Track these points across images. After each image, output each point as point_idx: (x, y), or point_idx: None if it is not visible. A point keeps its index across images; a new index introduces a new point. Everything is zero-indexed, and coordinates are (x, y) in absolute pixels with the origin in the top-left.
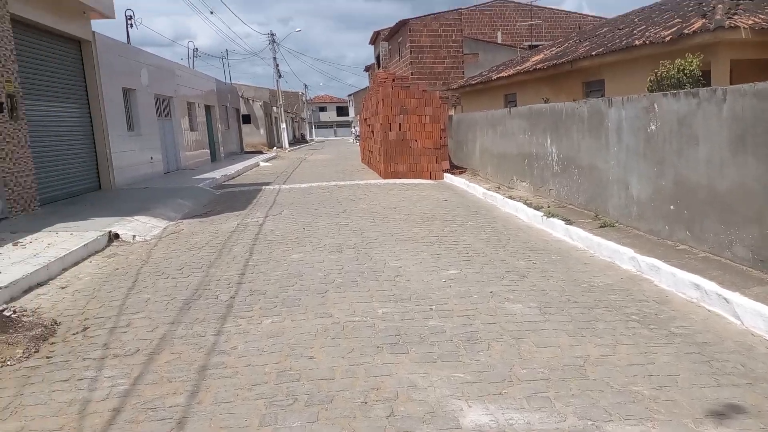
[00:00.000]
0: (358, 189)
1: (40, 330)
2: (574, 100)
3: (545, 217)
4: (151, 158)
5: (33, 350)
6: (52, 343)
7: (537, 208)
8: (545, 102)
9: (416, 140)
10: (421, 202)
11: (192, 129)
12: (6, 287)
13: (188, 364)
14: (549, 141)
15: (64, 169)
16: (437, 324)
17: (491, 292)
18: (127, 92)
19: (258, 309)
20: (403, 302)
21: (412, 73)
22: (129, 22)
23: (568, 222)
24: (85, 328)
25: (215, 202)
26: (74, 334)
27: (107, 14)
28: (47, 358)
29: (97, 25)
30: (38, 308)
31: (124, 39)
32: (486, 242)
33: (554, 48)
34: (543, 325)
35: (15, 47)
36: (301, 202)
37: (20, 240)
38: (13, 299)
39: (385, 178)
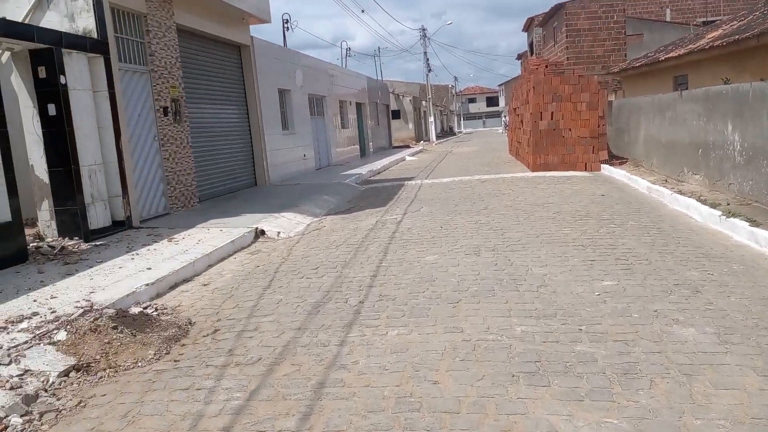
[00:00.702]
0: (503, 183)
1: (173, 331)
2: (761, 80)
3: (724, 217)
4: (304, 155)
5: (164, 352)
6: (183, 345)
7: (713, 206)
8: (725, 83)
9: (570, 129)
10: (574, 198)
11: (343, 126)
12: (153, 284)
13: (306, 378)
14: (730, 128)
15: (223, 167)
16: (587, 350)
17: (656, 311)
18: (282, 93)
19: (385, 317)
20: (547, 319)
21: (567, 59)
22: (285, 25)
23: (754, 223)
24: (215, 331)
25: (358, 198)
26: (204, 336)
27: (264, 19)
28: (175, 361)
29: (255, 30)
30: (178, 306)
31: (281, 42)
32: (650, 246)
33: (735, 22)
34: (723, 357)
35: (180, 54)
36: (441, 197)
37: (175, 236)
38: (159, 295)
39: (533, 170)
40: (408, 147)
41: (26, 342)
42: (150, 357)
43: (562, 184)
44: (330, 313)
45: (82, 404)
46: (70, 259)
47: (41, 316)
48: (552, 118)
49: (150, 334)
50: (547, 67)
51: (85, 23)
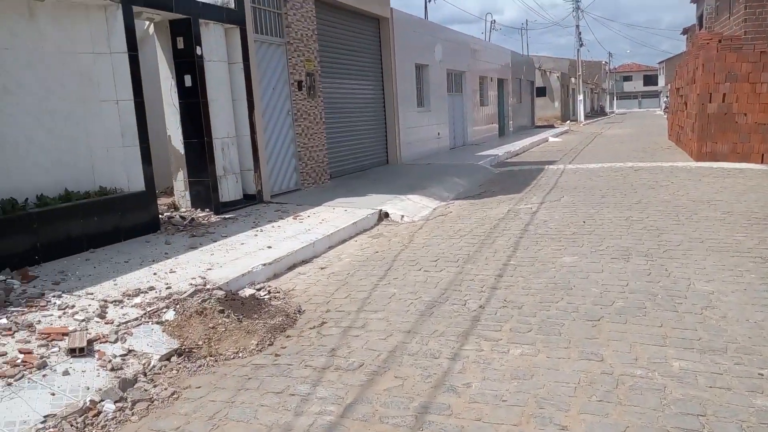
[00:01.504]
0: (661, 173)
1: (280, 319)
2: None
3: None
4: (438, 134)
5: (267, 343)
6: (287, 337)
7: None
8: None
9: (745, 114)
10: (748, 195)
11: (482, 104)
12: (270, 264)
13: (409, 398)
14: None
15: (355, 144)
16: None
17: None
18: (419, 68)
19: (508, 330)
20: (714, 355)
21: (745, 33)
22: None
23: None
24: (322, 323)
25: (491, 182)
26: (311, 329)
27: None
28: (276, 355)
29: (395, 2)
30: (291, 290)
31: (422, 15)
32: None
33: None
34: None
35: (316, 27)
36: (586, 186)
37: (301, 213)
38: (276, 276)
39: (697, 160)
40: (552, 127)
41: (136, 319)
42: (252, 347)
43: (733, 178)
44: (445, 316)
45: (175, 396)
46: (197, 231)
47: (156, 292)
48: (723, 101)
49: (256, 321)
50: (720, 41)
51: None
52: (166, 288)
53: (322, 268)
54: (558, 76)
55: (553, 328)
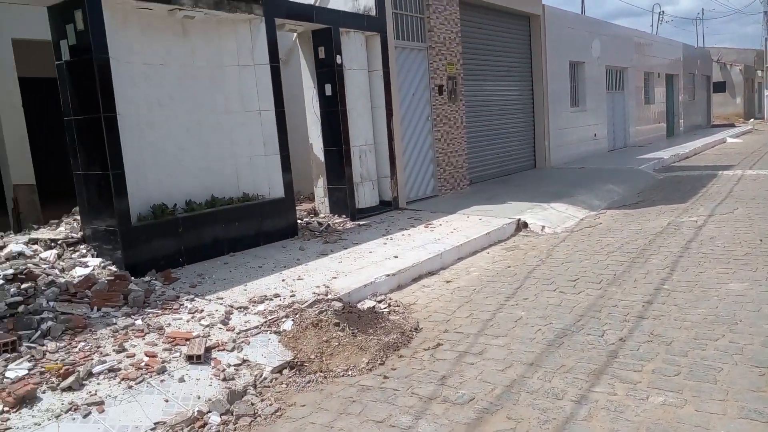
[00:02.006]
0: None
1: (395, 336)
2: None
3: None
4: (595, 135)
5: (378, 362)
6: (400, 357)
7: None
8: None
9: None
10: None
11: (647, 102)
12: (394, 275)
13: None
14: None
15: (499, 148)
16: None
17: None
18: (574, 66)
19: (650, 371)
20: None
21: None
22: None
23: None
24: (438, 345)
25: (652, 189)
26: (425, 350)
27: None
28: (384, 378)
29: None
30: (412, 304)
31: (578, 9)
32: None
33: None
34: None
35: (460, 29)
36: (767, 197)
37: (433, 221)
38: (400, 287)
39: None
40: (732, 126)
41: (256, 327)
42: (362, 365)
43: None
44: (576, 348)
45: (278, 413)
46: (331, 237)
47: (281, 299)
48: None
49: (370, 337)
50: None
51: (366, 1)
52: (290, 296)
53: (447, 282)
54: (741, 69)
55: (707, 374)
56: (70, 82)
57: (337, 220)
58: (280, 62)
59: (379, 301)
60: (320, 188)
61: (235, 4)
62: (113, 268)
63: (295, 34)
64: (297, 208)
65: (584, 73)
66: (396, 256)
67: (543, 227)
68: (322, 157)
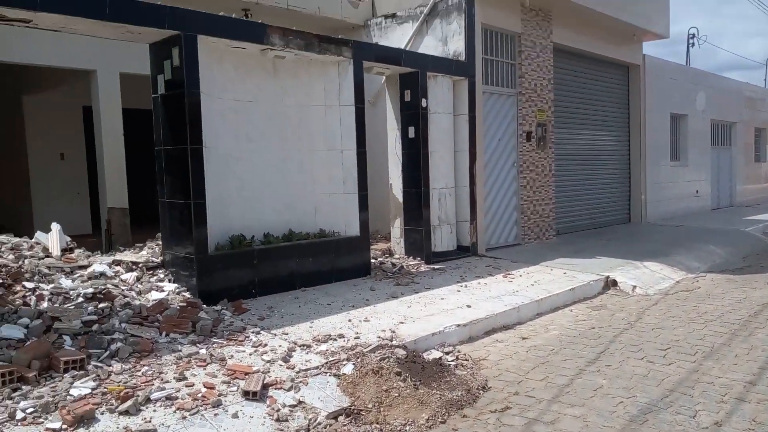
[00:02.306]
0: None
1: (460, 393)
2: None
3: None
4: (697, 191)
5: (439, 419)
6: (463, 417)
7: None
8: None
9: None
10: None
11: (757, 159)
12: (465, 325)
13: None
14: None
15: (590, 199)
16: None
17: None
18: (675, 118)
19: None
20: None
21: None
22: (690, 41)
23: None
24: (506, 408)
25: (760, 254)
26: (491, 412)
27: (661, 34)
28: None
29: (648, 46)
30: (482, 359)
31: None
32: None
33: None
34: None
35: (552, 76)
36: None
37: (512, 271)
38: (471, 339)
39: None
40: None
41: (316, 368)
42: (421, 422)
43: None
44: (662, 428)
45: None
46: (403, 280)
47: (344, 340)
48: None
49: (433, 391)
50: None
51: (456, 46)
52: (354, 337)
53: (523, 338)
54: None
55: None
56: (163, 114)
57: (411, 263)
58: (367, 104)
59: (447, 353)
60: (397, 229)
61: (325, 46)
62: (187, 294)
63: (384, 77)
64: (372, 247)
65: (687, 127)
66: (469, 306)
67: (634, 287)
68: (400, 198)
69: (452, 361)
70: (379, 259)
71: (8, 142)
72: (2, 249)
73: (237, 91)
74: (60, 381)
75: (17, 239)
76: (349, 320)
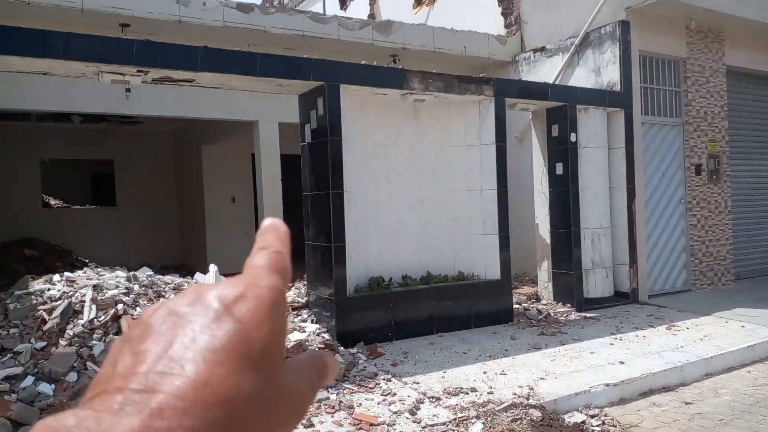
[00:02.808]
0: None
1: None
2: None
3: None
4: None
5: None
6: None
7: None
8: None
9: None
10: None
11: None
12: (616, 385)
13: None
14: None
15: None
16: None
17: None
18: None
19: None
20: None
21: None
22: None
23: None
24: None
25: None
26: None
27: None
28: None
29: None
30: (634, 426)
31: None
32: None
33: None
34: None
35: (726, 102)
36: None
37: (678, 323)
38: (622, 401)
39: None
40: None
41: (443, 424)
42: None
43: None
44: None
45: None
46: (548, 329)
47: (476, 395)
48: None
49: None
50: None
51: (610, 76)
52: (488, 392)
53: (685, 404)
54: None
55: None
56: (309, 161)
57: (559, 309)
58: (514, 140)
59: (591, 416)
60: (544, 272)
61: (465, 86)
62: (326, 336)
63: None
64: (517, 291)
65: None
66: (622, 362)
67: None
68: (548, 239)
69: (597, 426)
70: (523, 305)
71: (190, 186)
72: (166, 289)
73: (378, 135)
74: None
75: (180, 279)
76: (484, 372)
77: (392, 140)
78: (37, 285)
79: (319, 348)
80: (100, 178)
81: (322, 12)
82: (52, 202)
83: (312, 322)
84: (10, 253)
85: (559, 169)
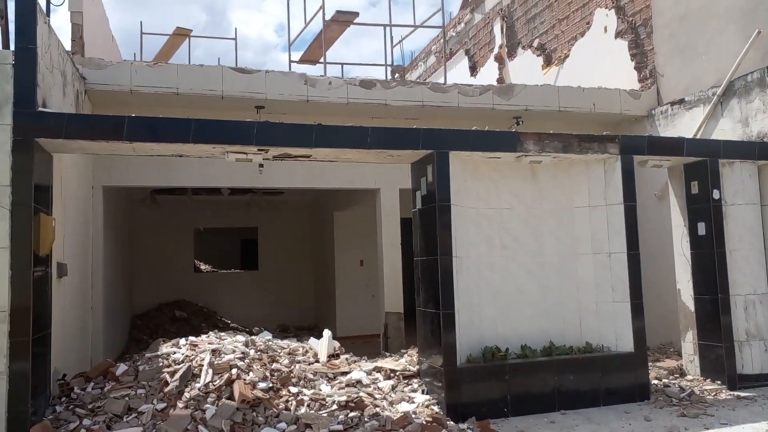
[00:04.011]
0: None
1: None
2: None
3: None
4: None
5: None
6: None
7: None
8: None
9: None
10: None
11: None
12: None
13: None
14: None
15: None
16: None
17: None
18: None
19: None
20: None
21: None
22: None
23: None
24: None
25: None
26: None
27: None
28: None
29: None
30: None
31: None
32: None
33: None
34: None
35: None
36: None
37: None
38: None
39: None
40: None
41: None
42: None
43: None
44: None
45: None
46: (691, 410)
47: None
48: None
49: None
50: None
51: (760, 126)
52: None
53: None
54: None
55: None
56: (419, 226)
57: (707, 387)
58: (653, 198)
59: None
60: (689, 343)
61: (586, 145)
62: (436, 408)
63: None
64: (657, 365)
65: None
66: None
67: None
68: (691, 306)
69: None
70: (663, 381)
71: (323, 251)
72: (281, 353)
73: (491, 199)
74: None
75: (296, 344)
76: None
77: (507, 202)
78: (165, 348)
79: (426, 422)
80: (247, 244)
81: (443, 82)
82: (202, 266)
83: (422, 392)
84: (163, 314)
85: (702, 229)
